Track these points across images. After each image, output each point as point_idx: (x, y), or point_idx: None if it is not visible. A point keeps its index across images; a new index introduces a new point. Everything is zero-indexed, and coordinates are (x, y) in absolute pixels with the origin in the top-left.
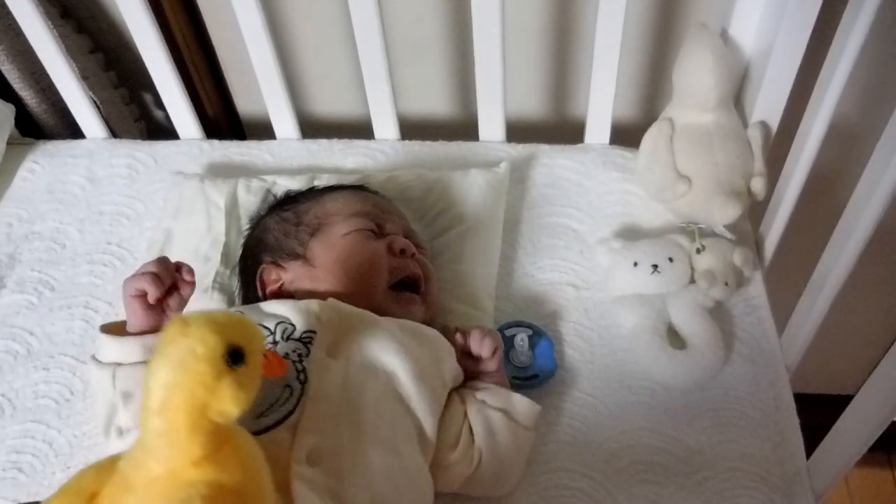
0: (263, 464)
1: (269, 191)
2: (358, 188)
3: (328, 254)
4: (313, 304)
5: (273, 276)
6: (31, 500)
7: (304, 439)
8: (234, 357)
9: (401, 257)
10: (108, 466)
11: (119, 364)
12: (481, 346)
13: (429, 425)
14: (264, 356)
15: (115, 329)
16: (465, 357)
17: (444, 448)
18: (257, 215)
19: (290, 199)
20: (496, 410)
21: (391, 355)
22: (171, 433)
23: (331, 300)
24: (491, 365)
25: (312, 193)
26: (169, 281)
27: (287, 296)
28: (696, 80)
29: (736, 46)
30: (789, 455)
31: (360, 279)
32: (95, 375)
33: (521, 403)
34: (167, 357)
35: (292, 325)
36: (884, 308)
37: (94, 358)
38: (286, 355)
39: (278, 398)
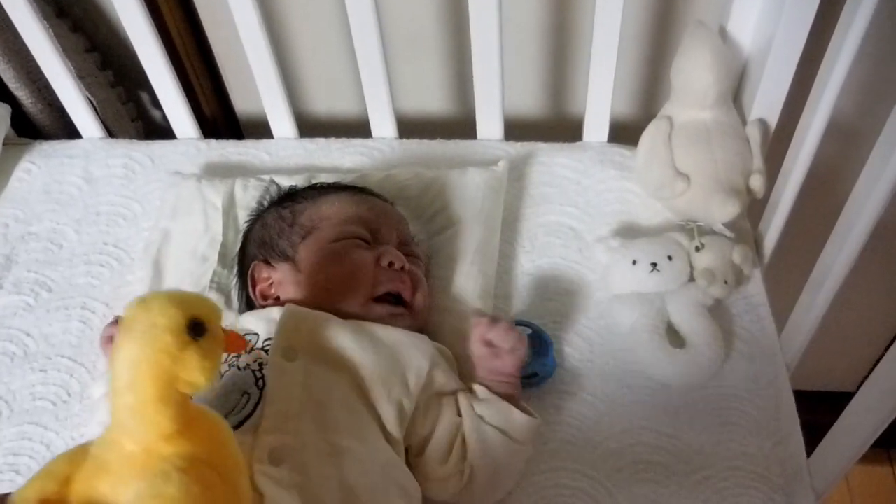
0: (233, 439)
1: (272, 180)
2: (358, 190)
3: (314, 260)
4: (274, 311)
5: (264, 274)
6: None
7: (265, 440)
8: (196, 329)
9: (389, 270)
10: (80, 452)
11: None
12: (504, 338)
13: (390, 422)
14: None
15: None
16: (485, 345)
17: (433, 461)
18: (259, 207)
19: (290, 196)
20: (493, 428)
21: (347, 352)
22: (141, 407)
23: (289, 305)
24: (507, 363)
25: (312, 192)
26: None
27: (275, 296)
28: (694, 77)
29: (734, 43)
30: (790, 454)
31: (341, 289)
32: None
33: (519, 421)
34: (131, 332)
35: (255, 334)
36: (883, 304)
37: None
38: (247, 366)
39: (236, 405)
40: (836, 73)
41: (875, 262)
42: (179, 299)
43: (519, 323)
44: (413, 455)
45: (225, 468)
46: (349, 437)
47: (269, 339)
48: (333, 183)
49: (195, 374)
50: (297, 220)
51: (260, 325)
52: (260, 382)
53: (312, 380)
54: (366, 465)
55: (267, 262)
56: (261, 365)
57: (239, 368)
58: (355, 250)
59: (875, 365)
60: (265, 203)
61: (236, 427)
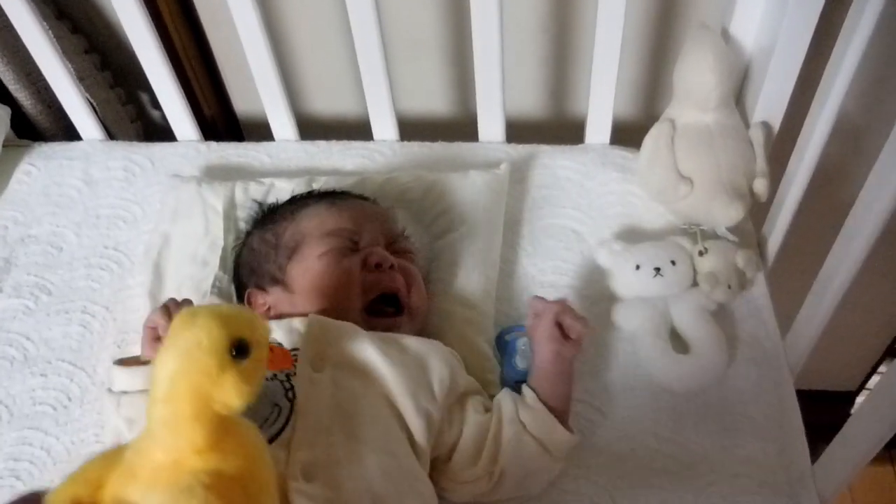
0: (267, 456)
1: (259, 204)
2: (337, 196)
3: (303, 278)
4: (296, 321)
5: (259, 300)
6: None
7: (298, 455)
8: (239, 350)
9: (377, 271)
10: (114, 456)
11: (125, 392)
12: (574, 326)
13: (418, 432)
14: (270, 350)
15: (129, 362)
16: (557, 327)
17: (462, 464)
18: (245, 232)
19: (270, 217)
20: (532, 438)
21: (374, 363)
22: (175, 422)
23: (312, 315)
24: (571, 349)
25: (290, 208)
26: None
27: (275, 319)
28: (696, 79)
29: (737, 45)
30: (794, 459)
31: (335, 301)
32: (106, 404)
33: (560, 437)
34: (174, 347)
35: (279, 344)
36: (883, 304)
37: (108, 390)
38: (274, 376)
39: (268, 417)
40: (841, 75)
41: (877, 260)
42: (225, 318)
43: (520, 327)
44: (441, 461)
45: (253, 486)
46: (378, 449)
47: (294, 349)
48: (310, 192)
49: (232, 397)
50: (280, 241)
51: (282, 335)
52: (290, 394)
53: (340, 391)
54: (393, 477)
55: (260, 288)
56: (288, 375)
57: (267, 378)
58: (341, 260)
59: (876, 365)
60: (248, 229)
61: (269, 441)
